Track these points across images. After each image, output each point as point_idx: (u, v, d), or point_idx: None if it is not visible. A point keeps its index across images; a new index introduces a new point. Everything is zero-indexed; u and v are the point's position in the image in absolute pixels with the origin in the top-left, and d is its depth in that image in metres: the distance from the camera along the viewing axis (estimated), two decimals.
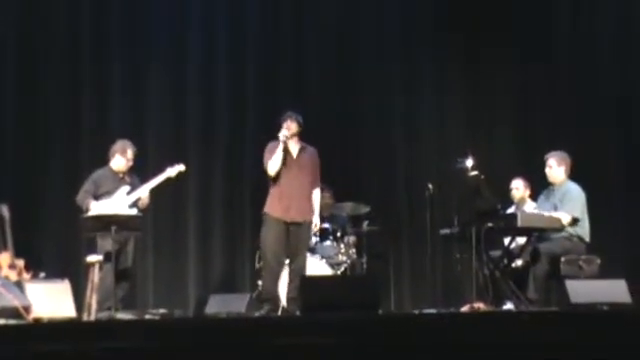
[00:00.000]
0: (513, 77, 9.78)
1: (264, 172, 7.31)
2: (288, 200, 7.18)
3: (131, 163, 7.65)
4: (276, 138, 7.27)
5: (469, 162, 7.18)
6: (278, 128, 7.28)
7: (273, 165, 7.18)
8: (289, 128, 7.23)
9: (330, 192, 8.58)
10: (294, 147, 7.31)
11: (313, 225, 7.37)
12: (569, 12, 9.81)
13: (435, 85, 9.87)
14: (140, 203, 7.53)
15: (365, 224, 8.66)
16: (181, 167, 7.74)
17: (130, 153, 7.62)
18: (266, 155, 7.28)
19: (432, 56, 9.85)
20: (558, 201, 7.22)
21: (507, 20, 9.67)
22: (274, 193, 7.25)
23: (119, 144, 7.65)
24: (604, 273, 7.08)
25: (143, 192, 7.53)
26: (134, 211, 7.42)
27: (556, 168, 7.36)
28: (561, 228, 7.06)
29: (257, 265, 8.27)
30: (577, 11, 9.79)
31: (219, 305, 7.32)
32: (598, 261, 7.14)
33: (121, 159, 7.61)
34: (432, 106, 9.84)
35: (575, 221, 7.09)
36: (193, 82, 9.36)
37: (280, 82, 9.58)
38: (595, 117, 9.46)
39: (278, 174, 7.21)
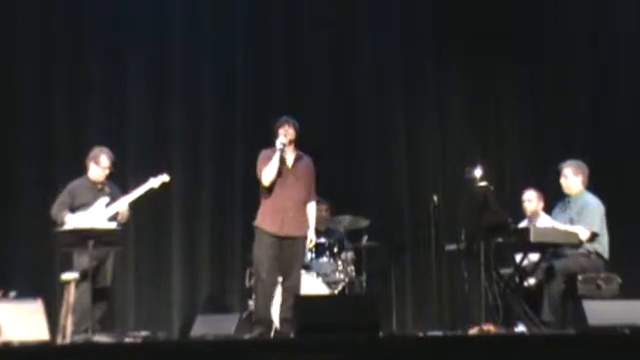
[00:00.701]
0: (523, 82, 9.80)
1: (256, 182, 7.26)
2: (282, 213, 7.12)
3: (107, 171, 7.58)
4: (268, 145, 7.22)
5: (477, 172, 7.13)
6: (271, 134, 7.23)
7: (268, 174, 7.12)
8: (287, 134, 7.19)
9: (327, 205, 8.53)
10: (290, 156, 7.26)
11: (308, 241, 7.32)
12: (579, 13, 9.83)
13: (438, 91, 9.86)
14: (119, 217, 7.48)
15: (364, 239, 8.62)
16: (165, 177, 7.70)
17: (105, 161, 7.54)
18: (260, 164, 7.22)
19: (434, 61, 9.85)
20: (575, 214, 7.18)
21: (510, 22, 9.70)
22: (267, 205, 7.19)
23: (93, 152, 7.60)
24: (625, 293, 7.04)
25: (123, 204, 7.48)
26: (113, 224, 7.37)
27: (572, 178, 7.33)
28: (578, 244, 7.02)
29: (248, 283, 8.22)
30: (589, 12, 9.81)
31: (206, 327, 7.28)
32: (618, 280, 7.09)
33: (96, 168, 7.55)
34: (436, 111, 9.82)
35: (594, 236, 7.05)
36: (177, 85, 9.32)
37: (273, 86, 9.54)
38: (611, 121, 9.47)
39: (272, 185, 7.16)
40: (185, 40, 9.38)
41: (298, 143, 7.30)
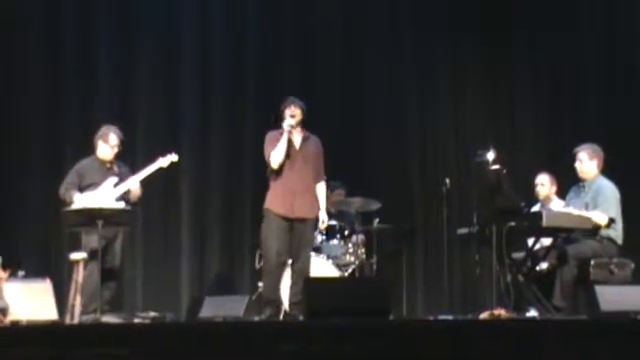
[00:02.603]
0: (538, 66, 9.80)
1: (265, 164, 7.29)
2: (291, 195, 7.16)
3: (117, 150, 7.59)
4: (276, 127, 7.25)
5: (490, 155, 7.14)
6: (280, 114, 7.25)
7: (276, 157, 7.15)
8: (294, 115, 7.20)
9: (343, 190, 8.59)
10: (297, 137, 7.28)
11: (320, 222, 7.36)
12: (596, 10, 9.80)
13: (452, 74, 9.86)
14: (131, 195, 7.51)
15: (375, 221, 8.63)
16: (174, 157, 7.72)
17: (114, 139, 7.56)
18: (268, 146, 7.24)
19: (448, 45, 9.86)
20: (590, 199, 7.17)
21: (527, 12, 9.71)
22: (276, 188, 7.22)
23: (102, 130, 7.62)
24: (638, 278, 7.06)
25: (132, 184, 7.50)
26: (122, 204, 7.40)
27: (587, 162, 7.31)
28: (593, 229, 7.01)
29: (257, 265, 8.26)
30: (603, 9, 9.77)
31: (215, 308, 7.32)
32: (632, 265, 7.10)
33: (105, 146, 7.57)
34: (450, 94, 9.83)
35: (611, 222, 7.04)
36: (187, 64, 9.33)
37: (284, 68, 9.54)
38: (625, 109, 9.45)
39: (280, 167, 7.19)
40: (196, 19, 9.39)
41: (306, 123, 7.33)
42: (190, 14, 9.40)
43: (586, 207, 7.14)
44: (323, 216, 7.36)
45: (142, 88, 9.17)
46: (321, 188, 7.38)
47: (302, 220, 7.19)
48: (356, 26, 9.74)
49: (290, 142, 7.21)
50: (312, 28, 9.69)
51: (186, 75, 9.31)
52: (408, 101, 9.77)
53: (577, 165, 7.36)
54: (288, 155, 7.18)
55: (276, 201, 7.19)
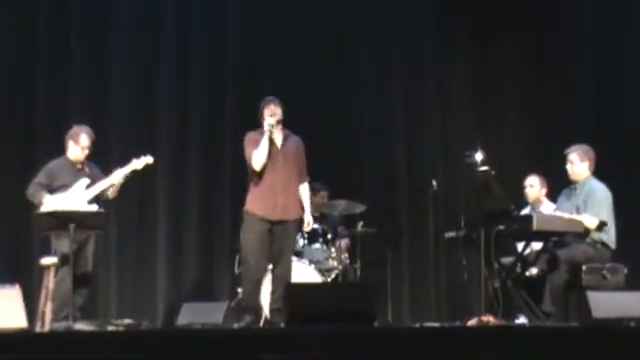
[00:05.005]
0: (526, 67, 9.85)
1: (245, 165, 7.27)
2: (273, 196, 7.14)
3: (87, 151, 7.55)
4: (255, 127, 7.23)
5: (478, 156, 7.15)
6: (258, 115, 7.24)
7: (258, 158, 7.13)
8: (274, 114, 7.19)
9: (326, 192, 8.59)
10: (277, 136, 7.28)
11: (305, 224, 7.34)
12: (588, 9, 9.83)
13: (439, 73, 9.88)
14: (112, 189, 7.47)
15: (359, 225, 8.65)
16: (148, 159, 7.67)
17: (85, 140, 7.51)
18: (248, 147, 7.23)
19: (435, 44, 9.88)
20: (581, 202, 7.18)
21: (513, 15, 9.74)
22: (256, 189, 7.20)
23: (73, 130, 7.57)
24: (631, 284, 7.06)
25: (103, 186, 7.45)
26: (94, 207, 7.36)
27: (578, 164, 7.32)
28: (585, 233, 7.03)
29: (236, 270, 8.26)
30: (597, 9, 9.80)
31: (193, 315, 7.29)
32: (625, 270, 7.11)
33: (75, 147, 7.52)
34: (437, 94, 9.84)
35: (602, 225, 7.05)
36: (165, 64, 9.32)
37: (266, 68, 9.54)
38: (615, 110, 9.48)
39: (262, 168, 7.17)
40: (174, 18, 9.37)
41: (288, 124, 7.32)
42: (168, 12, 9.37)
43: (577, 210, 7.15)
44: (308, 218, 7.35)
45: (117, 88, 9.14)
46: (304, 189, 7.36)
47: (283, 222, 7.17)
48: (341, 25, 9.74)
49: (272, 142, 7.20)
50: (296, 27, 9.69)
51: (163, 75, 9.30)
52: (394, 102, 9.77)
53: (568, 167, 7.38)
54: (270, 155, 7.17)
55: (256, 202, 7.17)
